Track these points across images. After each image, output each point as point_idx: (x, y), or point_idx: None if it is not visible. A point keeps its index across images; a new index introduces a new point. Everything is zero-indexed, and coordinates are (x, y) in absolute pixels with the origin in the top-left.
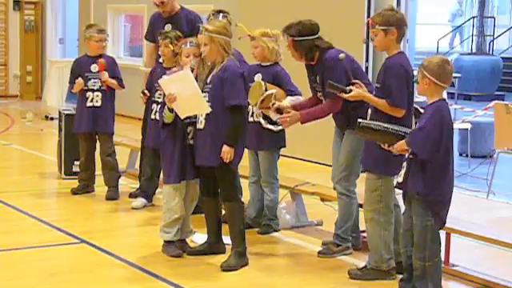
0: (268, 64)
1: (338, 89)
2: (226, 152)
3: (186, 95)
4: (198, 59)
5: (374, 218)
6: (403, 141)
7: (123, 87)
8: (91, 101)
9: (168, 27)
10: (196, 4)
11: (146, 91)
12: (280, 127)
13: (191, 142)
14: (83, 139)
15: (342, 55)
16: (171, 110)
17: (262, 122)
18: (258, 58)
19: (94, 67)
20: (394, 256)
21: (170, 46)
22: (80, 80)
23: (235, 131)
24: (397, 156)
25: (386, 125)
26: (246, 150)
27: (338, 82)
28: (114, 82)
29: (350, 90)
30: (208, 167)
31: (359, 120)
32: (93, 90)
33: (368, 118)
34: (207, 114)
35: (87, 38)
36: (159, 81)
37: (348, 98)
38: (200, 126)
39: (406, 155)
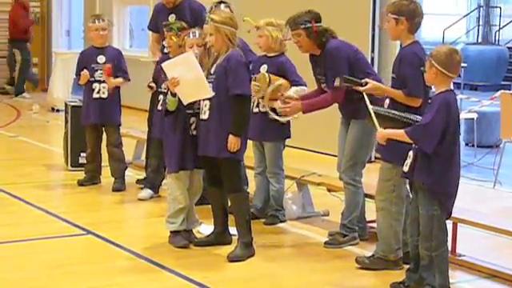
0: (274, 55)
1: (354, 82)
2: (233, 142)
3: (189, 79)
4: (202, 49)
5: (386, 208)
6: (387, 131)
7: (129, 80)
8: (98, 92)
9: (172, 17)
10: None
11: (152, 84)
12: (287, 118)
13: (194, 132)
14: (90, 131)
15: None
16: (174, 95)
17: (271, 113)
18: (263, 47)
19: (101, 58)
20: (401, 246)
21: (174, 38)
22: (85, 72)
23: (240, 121)
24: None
25: (396, 112)
26: (250, 141)
27: (340, 72)
28: (119, 80)
29: (366, 83)
30: (212, 157)
31: (368, 106)
32: (99, 82)
33: (386, 108)
34: (211, 104)
35: (87, 30)
36: (162, 64)
37: (364, 91)
38: (204, 116)
39: (413, 144)
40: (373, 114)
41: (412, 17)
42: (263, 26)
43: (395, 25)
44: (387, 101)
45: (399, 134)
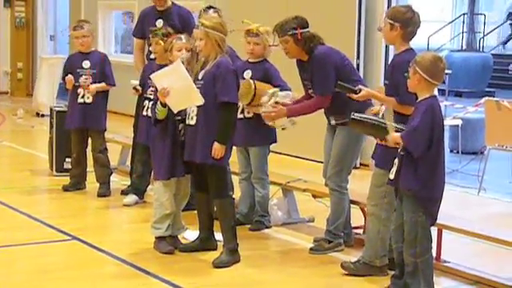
0: (258, 60)
1: (347, 89)
2: (218, 149)
3: (179, 87)
4: (190, 53)
5: (376, 214)
6: (398, 134)
7: (113, 85)
8: (82, 97)
9: (159, 23)
10: (188, 0)
11: (138, 87)
12: (288, 125)
13: (183, 138)
14: (75, 135)
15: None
16: (164, 105)
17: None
18: (256, 55)
19: (86, 63)
20: (387, 253)
21: (160, 42)
22: (70, 76)
23: (226, 128)
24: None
25: (379, 119)
26: (235, 147)
27: (327, 78)
28: (102, 85)
29: (360, 90)
30: (198, 163)
31: (352, 113)
32: (84, 87)
33: (380, 116)
34: (199, 110)
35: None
36: (151, 76)
37: (358, 99)
38: (191, 121)
39: (398, 151)
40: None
41: (406, 25)
42: (263, 35)
43: (389, 29)
44: (383, 107)
45: (397, 137)
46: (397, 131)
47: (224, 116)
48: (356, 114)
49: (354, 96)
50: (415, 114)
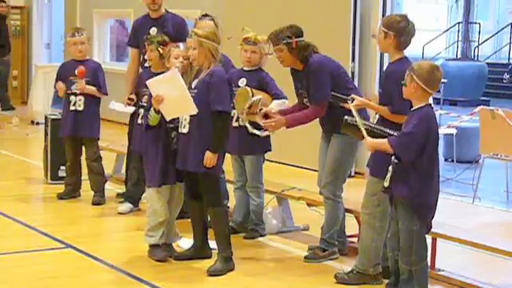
0: (253, 69)
1: (340, 99)
2: (210, 158)
3: (174, 96)
4: (186, 62)
5: (370, 222)
6: (381, 140)
7: (106, 94)
8: (74, 104)
9: (153, 31)
10: (183, 9)
11: (132, 96)
12: (266, 133)
13: (175, 146)
14: (68, 143)
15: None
16: (157, 112)
17: (249, 127)
18: (252, 63)
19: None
20: (381, 261)
21: (157, 50)
22: (60, 84)
23: (220, 137)
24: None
25: (372, 124)
26: (230, 156)
27: (323, 86)
28: (92, 88)
29: (353, 100)
30: (191, 171)
31: (345, 117)
32: (75, 94)
33: (374, 122)
34: (191, 118)
35: (67, 44)
36: (147, 82)
37: (351, 108)
38: (184, 130)
39: (392, 159)
40: (361, 126)
41: (400, 34)
42: (261, 43)
43: (383, 38)
44: (377, 116)
45: (383, 143)
46: (385, 137)
47: (217, 125)
48: (349, 118)
49: (347, 105)
50: (409, 121)
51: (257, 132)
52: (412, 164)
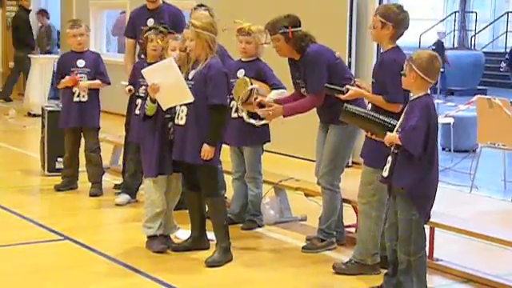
0: (250, 59)
1: (335, 90)
2: (207, 151)
3: (169, 84)
4: (184, 54)
5: (366, 211)
6: (395, 135)
7: (109, 83)
8: (78, 96)
9: (150, 22)
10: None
11: (130, 87)
12: (262, 122)
13: (172, 137)
14: (69, 135)
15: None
16: (154, 101)
17: (245, 116)
18: (248, 54)
19: (80, 62)
20: (379, 251)
21: (159, 41)
22: (68, 77)
23: (217, 130)
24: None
25: (372, 113)
26: (228, 146)
27: (320, 77)
28: (95, 82)
29: (348, 90)
30: (189, 162)
31: (345, 105)
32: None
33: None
34: (189, 110)
35: (66, 36)
36: (142, 70)
37: (346, 98)
38: (180, 121)
39: (392, 149)
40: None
41: (398, 26)
42: (255, 34)
43: (380, 28)
44: (369, 106)
45: (395, 137)
46: (388, 128)
47: (214, 118)
48: (349, 106)
49: (342, 96)
50: (412, 113)
51: (253, 121)
52: (419, 156)
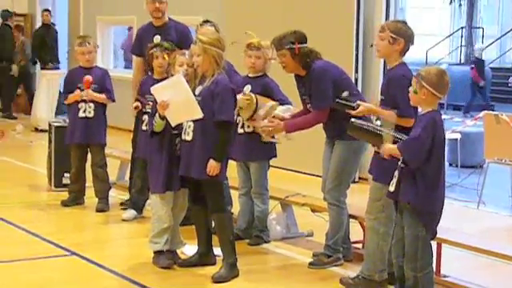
0: (257, 75)
1: (346, 106)
2: (213, 167)
3: (179, 101)
4: (191, 69)
5: (374, 228)
6: (394, 145)
7: (113, 100)
8: (84, 111)
9: (157, 38)
10: (185, 16)
11: (137, 103)
12: (278, 139)
13: (178, 153)
14: (75, 151)
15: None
16: (162, 118)
17: (264, 136)
18: (257, 69)
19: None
20: (387, 267)
21: (166, 57)
22: (78, 91)
23: (223, 147)
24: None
25: (378, 127)
26: (234, 162)
27: (324, 93)
28: (101, 96)
29: (358, 106)
30: (195, 178)
31: (352, 119)
32: (85, 101)
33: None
34: (195, 126)
35: (74, 52)
36: (152, 88)
37: (356, 114)
38: (187, 137)
39: (399, 164)
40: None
41: (408, 41)
42: (265, 49)
43: (391, 44)
44: (378, 122)
45: (394, 148)
46: (395, 142)
47: (221, 134)
48: (355, 120)
49: (353, 112)
50: (416, 126)
51: (274, 140)
52: (419, 169)
